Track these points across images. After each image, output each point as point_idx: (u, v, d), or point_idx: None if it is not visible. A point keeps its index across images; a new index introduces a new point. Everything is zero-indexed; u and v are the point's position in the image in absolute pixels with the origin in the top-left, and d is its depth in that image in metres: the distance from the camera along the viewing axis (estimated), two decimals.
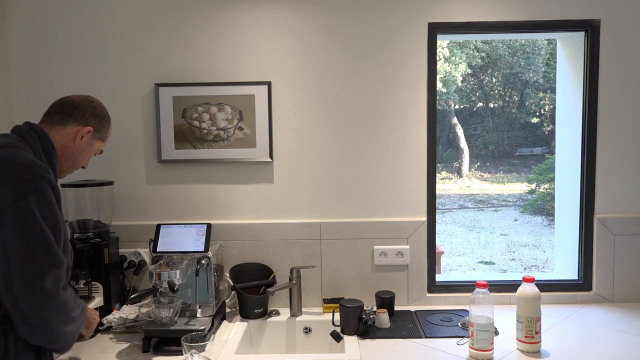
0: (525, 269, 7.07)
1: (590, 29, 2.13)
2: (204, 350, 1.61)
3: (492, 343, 1.66)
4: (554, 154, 2.68)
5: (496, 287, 2.14)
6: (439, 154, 12.47)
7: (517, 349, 1.73)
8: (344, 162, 2.18)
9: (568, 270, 2.29)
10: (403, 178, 2.17)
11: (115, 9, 2.14)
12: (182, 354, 1.62)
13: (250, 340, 1.98)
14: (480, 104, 15.80)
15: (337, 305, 1.94)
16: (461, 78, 13.00)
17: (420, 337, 1.85)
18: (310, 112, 2.16)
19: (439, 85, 11.88)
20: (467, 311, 2.02)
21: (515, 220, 9.67)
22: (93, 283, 1.94)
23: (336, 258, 2.18)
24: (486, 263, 7.35)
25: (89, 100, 1.54)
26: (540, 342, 1.71)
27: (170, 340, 1.76)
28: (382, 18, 2.12)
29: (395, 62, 2.13)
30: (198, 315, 1.88)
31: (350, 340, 1.82)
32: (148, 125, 2.17)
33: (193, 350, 1.60)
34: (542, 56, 12.86)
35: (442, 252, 5.64)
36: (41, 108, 1.54)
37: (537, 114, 14.95)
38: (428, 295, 2.20)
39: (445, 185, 12.78)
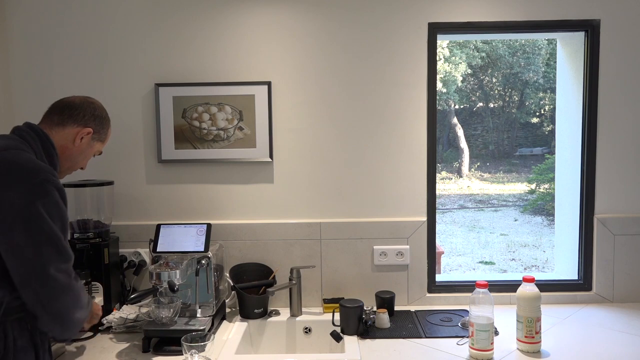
0: (525, 269, 7.07)
1: (590, 29, 2.13)
2: (204, 350, 1.61)
3: (492, 343, 1.66)
4: (554, 154, 2.68)
5: (496, 287, 2.14)
6: (439, 154, 12.48)
7: (517, 349, 1.74)
8: (344, 162, 2.18)
9: (568, 270, 2.29)
10: (403, 178, 2.17)
11: (116, 9, 2.14)
12: (182, 354, 1.62)
13: (250, 340, 1.98)
14: (480, 104, 15.80)
15: (337, 305, 1.94)
16: (461, 78, 13.00)
17: (420, 337, 1.85)
18: (310, 112, 2.16)
19: (439, 85, 11.89)
20: (467, 311, 2.02)
21: (515, 220, 9.67)
22: (93, 283, 1.94)
23: (336, 258, 2.18)
24: (486, 263, 7.35)
25: (89, 102, 1.54)
26: (540, 342, 1.71)
27: (170, 340, 1.76)
28: (382, 18, 2.12)
29: (395, 62, 2.13)
30: (198, 315, 1.88)
31: (350, 340, 1.82)
32: (148, 125, 2.17)
33: (193, 350, 1.60)
34: (542, 56, 12.86)
35: (442, 252, 5.64)
36: (41, 108, 1.54)
37: (537, 114, 14.96)
38: (428, 295, 2.20)
39: (445, 185, 12.78)
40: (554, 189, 3.81)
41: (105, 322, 1.89)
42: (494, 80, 14.96)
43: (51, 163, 1.41)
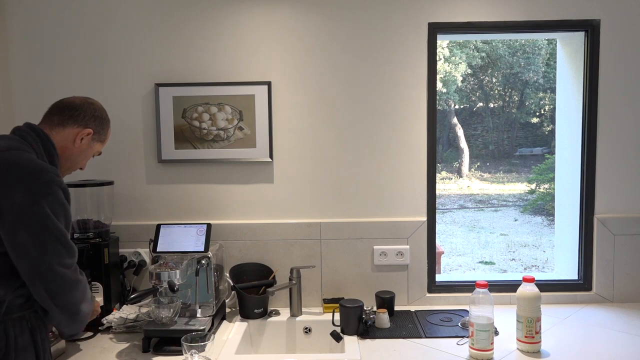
0: (525, 269, 7.07)
1: (590, 29, 2.13)
2: (204, 350, 1.61)
3: (492, 343, 1.66)
4: (554, 154, 2.68)
5: (496, 287, 2.14)
6: (439, 154, 12.48)
7: (517, 349, 1.74)
8: (344, 162, 2.18)
9: (568, 270, 2.29)
10: (403, 178, 2.17)
11: (116, 9, 2.14)
12: (182, 354, 1.62)
13: (250, 340, 1.98)
14: (480, 104, 15.80)
15: (337, 305, 1.94)
16: (461, 78, 13.00)
17: (420, 337, 1.85)
18: (310, 112, 2.16)
19: (439, 85, 11.88)
20: (467, 311, 2.02)
21: (515, 220, 9.67)
22: (93, 283, 1.94)
23: (336, 258, 2.18)
24: (486, 263, 7.35)
25: (89, 102, 1.54)
26: (540, 342, 1.71)
27: (170, 340, 1.76)
28: (382, 18, 2.12)
29: (395, 62, 2.14)
30: (198, 315, 1.88)
31: (350, 340, 1.82)
32: (148, 125, 2.17)
33: (193, 350, 1.60)
34: (542, 56, 12.86)
35: (442, 252, 5.64)
36: (41, 108, 1.54)
37: (537, 114, 14.95)
38: (428, 295, 2.20)
39: (445, 185, 12.78)
40: (554, 189, 3.81)
41: (105, 322, 1.89)
42: (494, 80, 14.96)
43: (52, 163, 1.41)
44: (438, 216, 2.34)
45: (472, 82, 15.11)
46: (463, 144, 14.14)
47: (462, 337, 1.83)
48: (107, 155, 2.09)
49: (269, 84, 2.13)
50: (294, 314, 2.07)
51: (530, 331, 1.70)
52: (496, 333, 1.84)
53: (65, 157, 1.48)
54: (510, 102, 15.53)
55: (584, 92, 2.17)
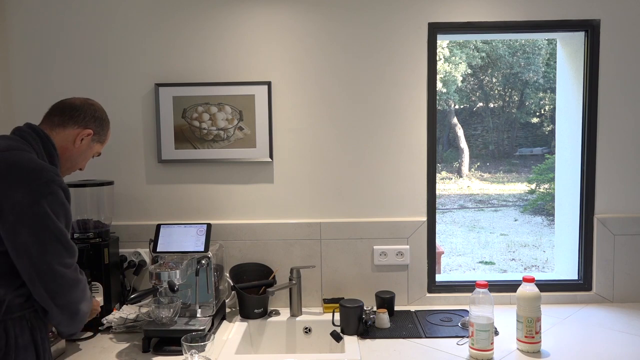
0: (525, 269, 7.07)
1: (590, 29, 2.13)
2: (204, 350, 1.61)
3: (492, 343, 1.66)
4: (554, 154, 2.68)
5: (496, 287, 2.14)
6: (439, 154, 12.47)
7: (517, 349, 1.74)
8: (344, 162, 2.18)
9: (568, 270, 2.29)
10: (403, 178, 2.17)
11: (116, 9, 2.14)
12: (182, 354, 1.62)
13: (250, 340, 1.98)
14: (480, 104, 15.80)
15: (337, 305, 1.94)
16: (461, 78, 13.00)
17: (420, 337, 1.85)
18: (310, 112, 2.16)
19: (439, 85, 11.88)
20: (467, 311, 2.02)
21: (515, 220, 9.67)
22: (93, 283, 1.94)
23: (336, 258, 2.18)
24: (486, 263, 7.35)
25: (89, 103, 1.55)
26: (540, 342, 1.71)
27: (170, 340, 1.76)
28: (382, 18, 2.12)
29: (395, 62, 2.13)
30: (198, 315, 1.88)
31: (350, 340, 1.82)
32: (148, 125, 2.17)
33: (193, 350, 1.60)
34: (542, 56, 12.86)
35: (442, 252, 5.64)
36: (41, 108, 1.54)
37: (537, 114, 14.95)
38: (428, 295, 2.20)
39: (445, 185, 12.78)
40: (554, 189, 3.81)
41: (105, 322, 1.89)
42: (494, 80, 14.95)
43: (52, 163, 1.41)
44: (438, 216, 2.34)
45: (472, 82, 15.11)
46: (463, 144, 14.14)
47: (462, 337, 1.83)
48: (107, 155, 2.09)
49: (269, 84, 2.13)
50: (294, 314, 2.07)
51: (530, 331, 1.70)
52: (496, 333, 1.84)
53: (65, 157, 1.49)
54: (510, 102, 15.53)
55: (584, 92, 2.17)
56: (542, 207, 9.88)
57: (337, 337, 1.84)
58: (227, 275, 2.11)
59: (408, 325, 1.95)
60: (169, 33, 2.14)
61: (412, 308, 2.15)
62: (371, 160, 2.17)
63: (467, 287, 2.18)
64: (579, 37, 2.18)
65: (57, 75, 2.16)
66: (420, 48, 2.13)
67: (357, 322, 1.87)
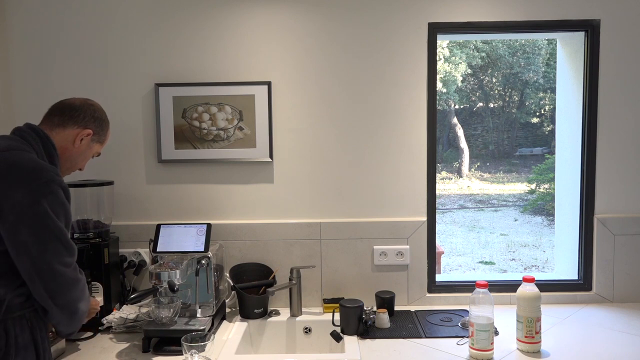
0: (525, 269, 7.07)
1: (590, 29, 2.13)
2: (204, 350, 1.61)
3: (492, 343, 1.66)
4: (554, 154, 2.68)
5: (496, 287, 2.14)
6: (439, 154, 12.47)
7: (517, 349, 1.74)
8: (344, 162, 2.18)
9: (568, 270, 2.29)
10: (403, 178, 2.17)
11: (116, 9, 2.14)
12: (182, 354, 1.62)
13: (250, 340, 1.98)
14: (480, 104, 15.80)
15: (337, 305, 1.94)
16: (461, 78, 13.00)
17: (420, 337, 1.85)
18: (310, 112, 2.16)
19: (439, 85, 11.88)
20: (467, 311, 2.02)
21: (515, 220, 9.67)
22: (93, 283, 1.94)
23: (336, 258, 2.18)
24: (486, 263, 7.35)
25: (89, 104, 1.55)
26: (540, 342, 1.71)
27: (170, 340, 1.76)
28: (382, 18, 2.12)
29: (395, 62, 2.13)
30: (198, 315, 1.88)
31: (350, 340, 1.82)
32: (148, 125, 2.17)
33: (193, 350, 1.60)
34: (542, 56, 12.86)
35: (442, 252, 5.64)
36: (41, 108, 1.54)
37: (537, 114, 14.95)
38: (428, 295, 2.20)
39: (445, 185, 12.78)
40: (554, 189, 3.81)
41: (105, 322, 1.89)
42: (494, 80, 14.95)
43: (52, 163, 1.42)
44: (438, 216, 2.34)
45: (472, 82, 15.11)
46: (463, 144, 14.14)
47: (462, 337, 1.83)
48: (107, 155, 2.09)
49: (269, 84, 2.13)
50: (294, 314, 2.07)
51: (530, 331, 1.70)
52: (496, 333, 1.84)
53: (65, 157, 1.49)
54: (510, 102, 15.52)
55: (584, 92, 2.17)
56: (542, 207, 9.88)
57: (337, 337, 1.84)
58: (227, 275, 2.11)
59: (408, 325, 1.95)
60: (169, 33, 2.14)
61: (412, 308, 2.15)
62: (371, 160, 2.17)
63: (467, 287, 2.18)
64: (579, 37, 2.18)
65: (57, 75, 2.16)
66: (420, 48, 2.13)
67: (357, 322, 1.87)
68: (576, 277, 2.24)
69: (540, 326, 1.71)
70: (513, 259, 7.49)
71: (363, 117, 2.16)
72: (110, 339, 1.86)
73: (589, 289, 2.21)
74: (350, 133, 2.16)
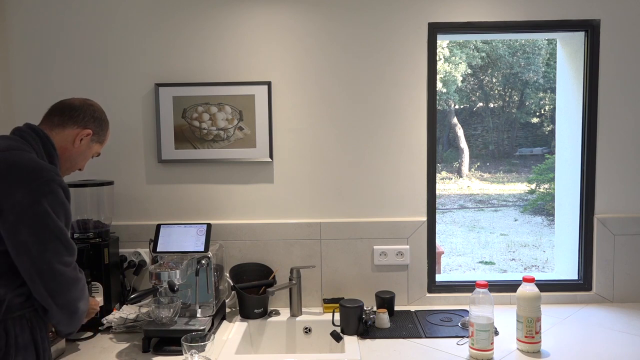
0: (525, 269, 7.07)
1: (590, 29, 2.13)
2: (204, 350, 1.61)
3: (492, 343, 1.66)
4: (554, 154, 2.68)
5: (496, 287, 2.14)
6: (439, 154, 12.47)
7: (517, 349, 1.74)
8: (344, 162, 2.18)
9: (568, 270, 2.29)
10: (403, 178, 2.17)
11: (116, 9, 2.14)
12: (182, 354, 1.62)
13: (250, 340, 1.98)
14: (480, 104, 15.80)
15: (337, 305, 1.94)
16: (461, 78, 13.00)
17: (420, 337, 1.85)
18: (310, 112, 2.16)
19: (439, 85, 11.88)
20: (467, 311, 2.02)
21: (515, 220, 9.67)
22: (93, 283, 1.94)
23: (336, 258, 2.18)
24: (486, 263, 7.35)
25: (88, 104, 1.55)
26: (540, 342, 1.71)
27: (170, 340, 1.76)
28: (382, 18, 2.12)
29: (395, 62, 2.13)
30: (198, 315, 1.88)
31: (350, 340, 1.82)
32: (148, 125, 2.17)
33: (193, 350, 1.60)
34: (542, 56, 12.86)
35: (442, 252, 5.64)
36: (41, 108, 1.54)
37: (537, 114, 14.95)
38: (428, 295, 2.20)
39: (445, 185, 12.78)
40: (554, 189, 3.81)
41: (105, 322, 1.89)
42: (494, 80, 14.95)
43: (52, 163, 1.42)
44: (438, 216, 2.34)
45: (472, 82, 15.11)
46: (463, 144, 14.14)
47: (462, 337, 1.83)
48: (107, 155, 2.09)
49: (269, 84, 2.13)
50: (294, 314, 2.07)
51: (530, 331, 1.70)
52: (496, 333, 1.84)
53: (65, 157, 1.49)
54: (510, 102, 15.52)
55: (584, 92, 2.17)
56: (542, 207, 9.88)
57: (337, 337, 1.84)
58: (227, 275, 2.11)
59: (408, 325, 1.95)
60: (169, 33, 2.14)
61: (412, 308, 2.15)
62: (371, 160, 2.17)
63: (467, 287, 2.18)
64: (579, 37, 2.18)
65: (57, 75, 2.16)
66: (420, 48, 2.13)
67: (357, 322, 1.87)
68: (576, 277, 2.24)
69: (540, 326, 1.71)
70: (513, 259, 7.49)
71: (363, 117, 2.16)
72: (110, 339, 1.86)
73: (589, 289, 2.21)
74: (350, 133, 2.16)
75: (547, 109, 14.51)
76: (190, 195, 2.19)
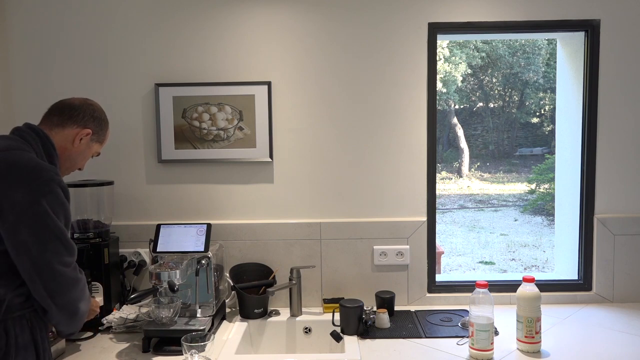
0: (525, 269, 7.07)
1: (590, 29, 2.13)
2: (204, 350, 1.61)
3: (492, 343, 1.66)
4: (554, 154, 2.68)
5: (496, 287, 2.14)
6: (439, 154, 12.48)
7: (517, 349, 1.74)
8: (344, 162, 2.18)
9: (568, 270, 2.29)
10: (403, 178, 2.17)
11: (116, 9, 2.14)
12: (182, 354, 1.62)
13: (250, 340, 1.98)
14: (480, 104, 15.80)
15: (337, 305, 1.94)
16: (461, 78, 13.00)
17: (420, 337, 1.85)
18: (310, 112, 2.16)
19: (439, 85, 11.88)
20: (467, 311, 2.02)
21: (515, 220, 9.67)
22: (93, 283, 1.94)
23: (336, 258, 2.18)
24: (486, 263, 7.35)
25: (88, 103, 1.55)
26: (540, 342, 1.71)
27: (170, 340, 1.76)
28: (382, 18, 2.12)
29: (395, 62, 2.13)
30: (198, 315, 1.88)
31: (350, 340, 1.82)
32: (148, 125, 2.17)
33: (193, 350, 1.60)
34: (542, 56, 12.86)
35: (442, 252, 5.64)
36: (41, 108, 1.54)
37: (537, 114, 14.95)
38: (428, 295, 2.20)
39: (445, 185, 12.78)
40: (554, 189, 3.81)
41: (105, 322, 1.89)
42: (494, 80, 14.95)
43: (51, 163, 1.42)
44: (438, 216, 2.34)
45: (472, 82, 15.11)
46: (463, 144, 14.14)
47: (462, 337, 1.83)
48: (107, 155, 2.09)
49: (269, 84, 2.13)
50: (294, 314, 2.07)
51: (530, 331, 1.70)
52: (496, 333, 1.84)
53: (65, 157, 1.49)
54: (510, 102, 15.53)
55: (584, 92, 2.17)
56: (542, 207, 9.88)
57: (337, 337, 1.83)
58: (227, 275, 2.11)
59: (408, 325, 1.95)
60: (169, 33, 2.14)
61: (412, 308, 2.15)
62: (371, 160, 2.17)
63: (467, 287, 2.18)
64: (579, 37, 2.18)
65: (57, 75, 2.16)
66: (420, 48, 2.13)
67: (357, 322, 1.87)
68: (576, 277, 2.24)
69: (540, 326, 1.71)
70: (513, 259, 7.49)
71: (363, 117, 2.16)
72: (110, 339, 1.86)
73: (589, 289, 2.21)
74: (350, 133, 2.16)
75: (547, 109, 14.51)
76: (190, 195, 2.19)
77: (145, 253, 2.14)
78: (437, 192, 3.78)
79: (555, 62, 8.17)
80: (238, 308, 2.08)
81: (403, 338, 1.84)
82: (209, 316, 1.87)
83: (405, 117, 2.15)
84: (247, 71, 2.15)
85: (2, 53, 2.13)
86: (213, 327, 1.88)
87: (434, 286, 2.22)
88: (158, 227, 1.99)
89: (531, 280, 1.73)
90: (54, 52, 2.15)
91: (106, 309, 1.95)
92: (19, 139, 1.38)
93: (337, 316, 1.94)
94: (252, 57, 2.14)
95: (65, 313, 1.34)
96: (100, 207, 2.04)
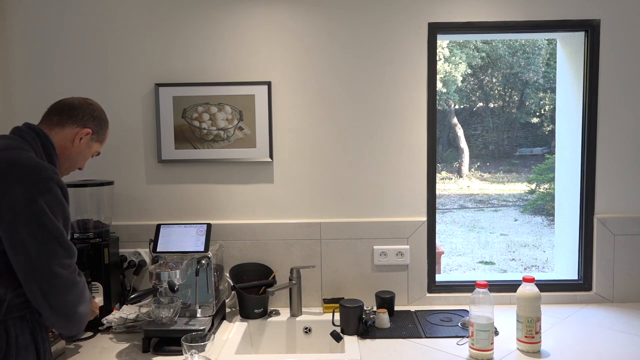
0: (525, 269, 7.07)
1: (590, 29, 2.13)
2: (204, 350, 1.61)
3: (492, 343, 1.66)
4: (554, 154, 2.68)
5: (496, 287, 2.14)
6: (439, 154, 12.47)
7: (517, 349, 1.74)
8: (344, 162, 2.18)
9: (568, 270, 2.29)
10: (403, 178, 2.17)
11: (116, 9, 2.14)
12: (182, 354, 1.62)
13: (250, 340, 1.98)
14: (480, 104, 15.80)
15: (337, 305, 1.94)
16: (461, 78, 13.00)
17: (420, 337, 1.85)
18: (310, 112, 2.16)
19: (439, 85, 11.88)
20: (467, 311, 2.02)
21: (515, 220, 9.67)
22: (93, 283, 1.94)
23: (336, 258, 2.18)
24: (486, 263, 7.35)
25: (88, 103, 1.55)
26: (540, 342, 1.71)
27: (170, 340, 1.76)
28: (382, 18, 2.12)
29: (395, 62, 2.14)
30: (198, 315, 1.88)
31: (350, 340, 1.82)
32: (148, 125, 2.17)
33: (193, 350, 1.60)
34: (542, 56, 12.86)
35: (442, 252, 5.64)
36: (41, 108, 1.54)
37: (537, 114, 14.95)
38: (428, 295, 2.20)
39: (445, 185, 12.78)
40: (554, 189, 3.81)
41: (105, 322, 1.89)
42: (494, 80, 14.95)
43: (51, 163, 1.41)
44: (438, 216, 2.34)
45: (472, 82, 15.11)
46: (463, 144, 14.14)
47: (462, 337, 1.83)
48: (107, 155, 2.09)
49: (269, 84, 2.13)
50: (294, 314, 2.07)
51: (530, 331, 1.70)
52: (496, 333, 1.84)
53: (64, 157, 1.49)
54: (510, 102, 15.53)
55: (584, 92, 2.17)
56: (542, 207, 9.88)
57: (337, 337, 1.84)
58: (227, 275, 2.11)
59: (408, 325, 1.95)
60: (169, 33, 2.14)
61: (412, 308, 2.15)
62: (371, 160, 2.17)
63: (467, 287, 2.18)
64: (579, 37, 2.18)
65: (57, 75, 2.16)
66: (420, 48, 2.13)
67: (357, 322, 1.87)
68: (576, 277, 2.24)
69: (540, 326, 1.71)
70: (513, 259, 7.49)
71: (363, 117, 2.16)
72: (110, 339, 1.86)
73: (589, 289, 2.21)
74: (350, 133, 2.16)
75: (547, 109, 14.51)
76: (190, 195, 2.19)
77: (145, 253, 2.14)
78: (437, 192, 3.78)
79: (555, 62, 8.17)
80: (238, 308, 2.08)
81: (403, 338, 1.84)
82: (209, 316, 1.87)
83: (405, 117, 2.15)
84: (247, 71, 2.15)
85: (2, 53, 2.13)
86: (213, 327, 1.88)
87: (434, 286, 2.22)
88: (158, 227, 1.99)
89: (531, 280, 1.73)
90: (54, 52, 2.15)
91: (106, 309, 1.95)
92: (18, 139, 1.38)
93: (337, 316, 1.94)
94: (252, 57, 2.14)
95: (61, 316, 1.32)
96: (100, 207, 2.04)
